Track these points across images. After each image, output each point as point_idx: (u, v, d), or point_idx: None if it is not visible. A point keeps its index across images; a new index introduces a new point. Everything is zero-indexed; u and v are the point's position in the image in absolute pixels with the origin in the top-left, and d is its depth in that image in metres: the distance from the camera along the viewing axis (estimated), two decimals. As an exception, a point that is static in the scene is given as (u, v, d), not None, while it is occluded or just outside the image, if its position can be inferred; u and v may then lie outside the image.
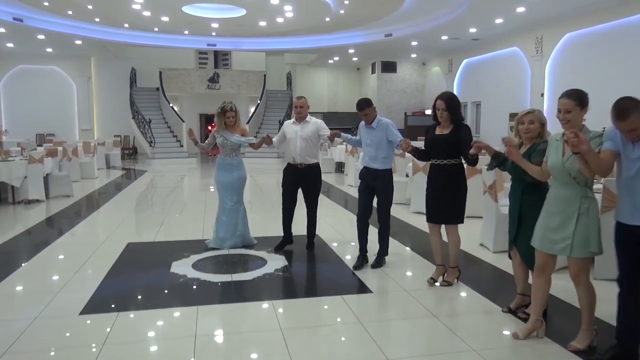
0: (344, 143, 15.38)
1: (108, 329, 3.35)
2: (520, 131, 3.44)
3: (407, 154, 4.66)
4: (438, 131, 4.19)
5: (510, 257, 3.72)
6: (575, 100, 2.97)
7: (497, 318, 3.60)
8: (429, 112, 20.57)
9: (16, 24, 14.36)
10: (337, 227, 6.80)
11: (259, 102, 20.92)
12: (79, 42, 17.24)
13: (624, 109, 2.62)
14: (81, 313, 3.66)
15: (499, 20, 13.57)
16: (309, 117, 5.40)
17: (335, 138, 5.07)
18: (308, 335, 3.38)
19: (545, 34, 13.64)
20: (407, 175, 9.18)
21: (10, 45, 17.81)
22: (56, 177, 9.36)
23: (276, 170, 15.02)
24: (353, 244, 5.40)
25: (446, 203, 4.18)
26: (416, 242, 6.02)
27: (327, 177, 12.91)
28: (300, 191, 5.45)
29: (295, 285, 4.52)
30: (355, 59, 21.51)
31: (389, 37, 16.68)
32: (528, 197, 3.40)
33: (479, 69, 17.38)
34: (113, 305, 3.91)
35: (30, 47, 18.25)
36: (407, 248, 5.71)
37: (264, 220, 6.43)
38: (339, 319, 3.61)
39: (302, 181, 5.38)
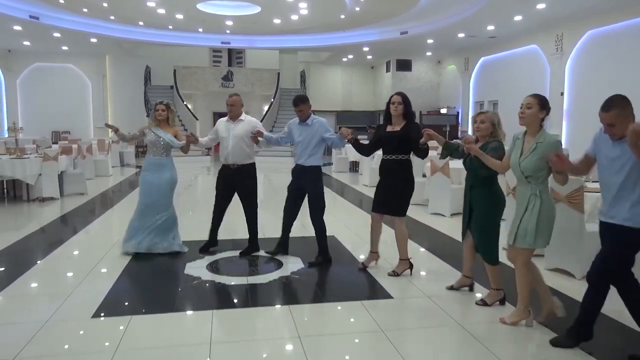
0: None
1: (121, 334, 3.24)
2: (474, 129, 3.82)
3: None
4: (389, 128, 4.43)
5: (462, 240, 4.06)
6: (538, 99, 3.28)
7: (525, 328, 3.43)
8: (444, 111, 20.32)
9: (32, 22, 14.42)
10: (352, 228, 6.65)
11: (272, 100, 20.82)
12: (94, 40, 17.28)
13: (609, 101, 2.84)
14: (94, 316, 3.56)
15: (517, 18, 13.29)
16: (243, 116, 5.24)
17: (259, 138, 5.06)
18: (327, 343, 3.24)
19: (566, 32, 13.32)
20: (423, 176, 9.01)
21: (26, 43, 17.92)
22: (70, 174, 9.33)
23: (289, 169, 14.92)
24: (368, 245, 5.24)
25: (392, 196, 4.41)
26: (436, 244, 5.85)
27: (341, 177, 12.78)
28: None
29: (313, 289, 4.38)
30: (369, 57, 21.30)
31: (404, 35, 16.46)
32: (476, 190, 3.74)
33: (496, 68, 17.08)
34: (126, 308, 3.81)
35: (46, 45, 18.35)
36: (427, 251, 5.54)
37: (278, 221, 6.27)
38: (359, 327, 3.47)
39: (235, 182, 5.18)
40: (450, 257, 5.17)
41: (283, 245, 5.15)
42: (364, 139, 15.50)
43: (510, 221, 3.45)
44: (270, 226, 6.52)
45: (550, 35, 13.83)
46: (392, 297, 4.00)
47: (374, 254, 4.75)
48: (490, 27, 14.59)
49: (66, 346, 3.13)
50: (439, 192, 7.54)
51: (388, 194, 4.43)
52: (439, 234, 6.40)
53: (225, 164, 5.20)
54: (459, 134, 19.04)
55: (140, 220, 5.14)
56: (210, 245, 5.39)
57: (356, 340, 3.30)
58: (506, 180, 5.44)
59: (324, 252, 4.96)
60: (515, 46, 15.77)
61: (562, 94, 13.55)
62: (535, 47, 14.77)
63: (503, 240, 3.68)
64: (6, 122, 18.52)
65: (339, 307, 3.86)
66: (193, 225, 6.70)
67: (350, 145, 4.74)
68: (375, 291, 4.22)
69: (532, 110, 3.25)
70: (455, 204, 7.54)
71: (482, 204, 3.72)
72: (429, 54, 20.06)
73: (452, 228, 6.66)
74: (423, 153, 4.34)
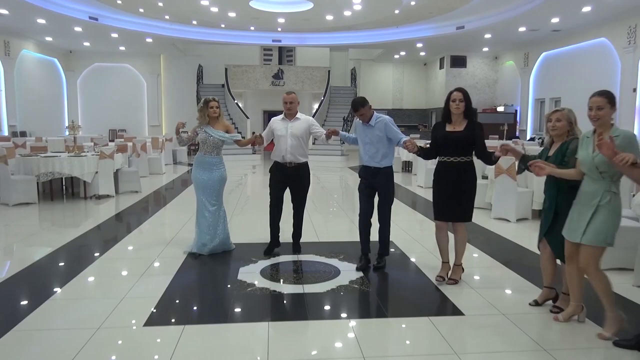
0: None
1: (173, 347, 3.05)
2: (548, 128, 3.56)
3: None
4: (449, 128, 4.09)
5: (539, 248, 3.77)
6: (607, 99, 3.12)
7: (615, 351, 2.98)
8: (501, 108, 19.45)
9: (92, 22, 14.83)
10: (411, 233, 6.28)
11: (322, 98, 20.60)
12: (149, 40, 17.64)
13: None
14: (145, 324, 3.40)
15: (586, 9, 12.42)
16: (299, 114, 5.06)
17: (333, 136, 4.85)
18: (395, 366, 2.92)
19: (641, 23, 12.34)
20: (483, 177, 8.50)
21: (86, 44, 18.53)
22: (125, 172, 9.43)
23: (339, 169, 14.64)
24: (432, 253, 4.88)
25: (459, 202, 4.12)
26: (503, 253, 5.41)
27: (395, 177, 12.35)
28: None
29: (374, 302, 4.05)
30: (422, 53, 20.70)
31: (460, 30, 15.83)
32: (563, 195, 3.46)
33: (560, 63, 16.11)
34: (179, 317, 3.64)
35: (104, 45, 18.92)
36: (495, 260, 5.10)
37: (329, 224, 6.02)
38: (429, 348, 3.12)
39: (290, 181, 5.07)
40: (520, 267, 4.75)
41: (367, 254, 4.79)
42: (415, 138, 15.07)
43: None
44: (324, 230, 6.28)
45: (622, 27, 12.84)
46: (462, 314, 3.62)
47: (446, 264, 4.38)
48: (555, 20, 13.74)
49: (118, 357, 2.96)
50: (504, 196, 7.04)
51: (453, 201, 4.11)
52: (506, 241, 5.93)
53: (280, 162, 5.03)
54: (517, 133, 18.16)
55: (202, 219, 5.07)
56: (274, 246, 5.23)
57: (427, 364, 2.96)
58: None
59: (386, 255, 4.78)
60: (581, 40, 14.80)
61: (634, 90, 12.56)
62: (604, 40, 13.78)
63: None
64: (67, 120, 19.23)
65: (404, 324, 3.53)
66: (244, 226, 6.53)
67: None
68: (443, 306, 3.86)
69: (604, 110, 3.14)
70: (522, 208, 7.03)
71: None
72: (485, 49, 19.25)
73: (519, 234, 6.18)
74: (492, 160, 4.04)
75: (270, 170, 5.18)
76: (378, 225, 4.71)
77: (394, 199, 4.76)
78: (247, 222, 6.92)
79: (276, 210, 5.19)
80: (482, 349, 3.12)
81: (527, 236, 6.10)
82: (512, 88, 19.15)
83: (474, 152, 4.12)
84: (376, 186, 4.65)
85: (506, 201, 7.01)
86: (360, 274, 4.53)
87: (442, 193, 4.18)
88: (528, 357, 3.02)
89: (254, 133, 5.10)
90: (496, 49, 19.20)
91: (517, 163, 3.86)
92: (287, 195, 5.14)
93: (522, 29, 15.04)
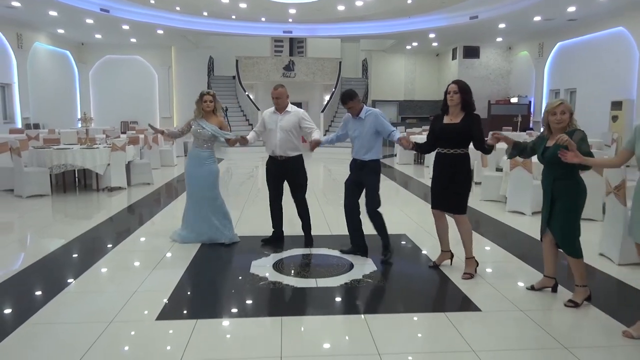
0: (423, 133, 14.68)
1: (185, 342, 3.01)
2: (551, 122, 3.53)
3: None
4: (447, 120, 4.12)
5: (541, 240, 3.81)
6: None
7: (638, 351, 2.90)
8: (515, 100, 19.18)
9: (103, 14, 14.82)
10: (425, 226, 6.19)
11: (334, 90, 20.46)
12: (160, 31, 17.61)
13: None
14: (158, 318, 3.37)
15: (604, -3, 12.15)
16: (290, 107, 5.01)
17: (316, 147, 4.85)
18: (411, 363, 2.86)
19: (661, 11, 12.04)
20: (497, 169, 8.37)
21: (98, 36, 18.56)
22: (137, 164, 9.44)
23: (350, 160, 14.54)
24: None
25: (453, 194, 4.16)
26: (519, 246, 5.31)
27: (406, 169, 12.26)
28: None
29: (388, 297, 4.00)
30: (435, 44, 20.44)
31: (474, 20, 15.58)
32: (561, 182, 3.51)
33: (575, 53, 15.80)
34: (191, 311, 3.62)
35: (115, 37, 18.92)
36: (510, 254, 5.01)
37: (341, 216, 5.92)
38: (446, 345, 3.05)
39: (285, 173, 5.06)
40: (537, 261, 4.60)
41: (361, 247, 4.83)
42: (428, 130, 14.92)
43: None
44: (335, 222, 6.21)
45: (641, 16, 12.56)
46: (479, 310, 3.54)
47: (445, 252, 4.49)
48: (571, 9, 13.45)
49: (129, 353, 2.94)
50: (519, 188, 6.91)
51: (448, 192, 4.18)
52: (521, 234, 5.83)
53: (272, 156, 5.04)
54: (531, 124, 17.91)
55: (191, 211, 5.18)
56: (276, 238, 5.24)
57: (444, 361, 2.90)
58: (607, 178, 4.80)
59: (389, 246, 4.70)
60: (598, 29, 14.49)
61: (653, 80, 12.30)
62: (622, 29, 13.48)
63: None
64: (79, 112, 19.33)
65: (421, 320, 3.47)
66: (255, 219, 6.49)
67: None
68: (459, 301, 3.78)
69: None
70: (538, 201, 6.82)
71: (568, 194, 3.53)
72: (499, 39, 18.94)
73: (534, 227, 5.98)
74: (489, 149, 4.07)
75: (266, 164, 5.19)
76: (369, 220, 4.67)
77: (378, 192, 4.66)
78: (258, 215, 6.87)
79: (275, 205, 5.19)
80: (500, 346, 3.05)
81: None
82: (526, 79, 18.87)
83: (472, 144, 4.13)
84: (362, 180, 4.64)
85: (521, 194, 6.89)
86: (374, 268, 4.47)
87: (437, 184, 4.26)
88: (548, 355, 2.94)
89: (242, 137, 5.16)
90: (510, 39, 18.90)
91: (508, 148, 3.96)
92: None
93: (537, 18, 14.77)
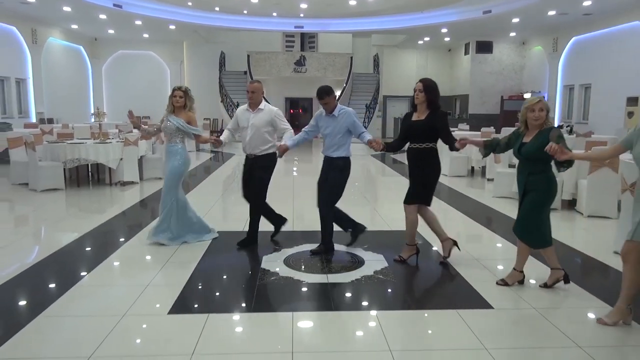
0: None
1: (197, 335, 3.03)
2: (529, 118, 3.66)
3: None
4: (415, 117, 4.34)
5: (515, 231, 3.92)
6: None
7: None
8: (528, 95, 18.95)
9: (116, 10, 14.90)
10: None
11: (345, 85, 20.41)
12: (172, 27, 17.67)
13: None
14: (170, 312, 3.40)
15: (620, -9, 11.94)
16: (263, 104, 4.88)
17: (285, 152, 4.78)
18: None
19: (679, 6, 11.81)
20: (510, 166, 8.30)
21: (111, 31, 18.67)
22: (150, 159, 9.50)
23: (360, 157, 14.50)
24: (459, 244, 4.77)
25: (421, 185, 4.36)
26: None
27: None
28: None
29: (400, 294, 3.98)
30: (447, 39, 20.26)
31: (487, 15, 15.41)
32: (534, 176, 3.67)
33: (591, 48, 15.57)
34: (202, 305, 3.64)
35: (128, 33, 19.02)
36: (523, 252, 4.95)
37: (352, 213, 5.93)
38: (458, 342, 3.03)
39: (251, 172, 4.93)
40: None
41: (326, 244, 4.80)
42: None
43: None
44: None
45: (659, 10, 12.33)
46: (491, 307, 3.52)
47: (447, 241, 4.57)
48: (587, 3, 13.23)
49: (141, 347, 2.96)
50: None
51: (417, 183, 4.38)
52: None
53: (245, 153, 4.99)
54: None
55: (165, 210, 5.00)
56: (252, 241, 5.09)
57: (457, 359, 2.88)
58: (622, 175, 4.73)
59: (327, 241, 4.75)
60: (614, 23, 14.25)
61: (670, 76, 12.09)
62: (638, 24, 13.24)
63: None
64: (92, 107, 19.49)
65: (432, 316, 3.45)
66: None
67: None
68: (471, 298, 3.75)
69: None
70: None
71: (540, 186, 3.68)
72: (512, 34, 18.73)
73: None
74: (455, 148, 4.22)
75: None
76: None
77: (341, 194, 4.73)
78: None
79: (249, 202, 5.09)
80: (513, 344, 3.03)
81: (556, 226, 5.85)
82: (540, 74, 18.64)
83: (440, 139, 4.30)
84: (328, 176, 4.66)
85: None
86: (385, 264, 4.46)
87: (409, 177, 4.46)
88: (562, 354, 2.91)
89: (214, 139, 5.12)
90: (524, 33, 18.68)
91: (481, 149, 4.13)
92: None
93: (551, 12, 14.56)
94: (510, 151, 4.06)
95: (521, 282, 3.94)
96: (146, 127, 5.30)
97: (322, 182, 4.73)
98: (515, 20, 15.88)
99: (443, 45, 21.88)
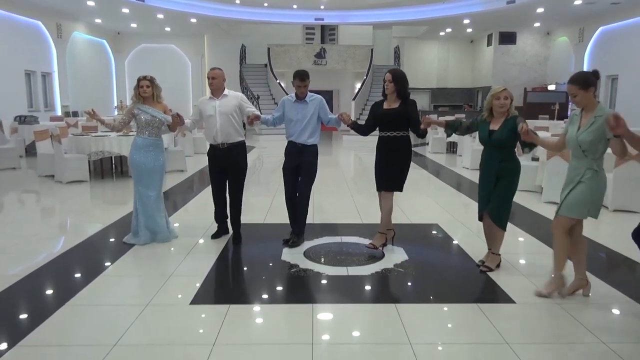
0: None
1: (218, 326, 3.07)
2: (495, 105, 3.86)
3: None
4: (386, 105, 4.43)
5: (480, 219, 4.11)
6: (578, 85, 3.27)
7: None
8: (552, 87, 18.62)
9: (138, 4, 15.06)
10: (457, 216, 6.12)
11: (365, 77, 20.30)
12: (193, 20, 17.79)
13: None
14: (192, 302, 3.45)
15: (651, -21, 11.59)
16: (227, 90, 4.79)
17: (255, 122, 4.70)
18: (445, 356, 2.84)
19: None
20: (533, 159, 8.17)
21: (133, 25, 18.90)
22: (171, 152, 9.59)
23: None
24: (478, 237, 4.72)
25: (394, 172, 4.45)
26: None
27: (438, 158, 12.10)
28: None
29: (420, 287, 3.96)
30: (469, 30, 19.97)
31: (511, 5, 15.12)
32: (506, 163, 3.87)
33: (618, 38, 15.17)
34: (224, 296, 3.69)
35: (150, 26, 19.23)
36: (545, 245, 4.88)
37: (371, 205, 5.92)
38: (479, 336, 3.01)
39: (226, 163, 4.81)
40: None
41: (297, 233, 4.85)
42: (461, 118, 14.52)
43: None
44: (366, 211, 6.21)
45: (691, -2, 11.93)
46: (513, 302, 3.48)
47: (381, 234, 4.67)
48: (615, -9, 12.90)
49: (164, 336, 3.02)
50: (556, 179, 6.71)
51: (390, 171, 4.46)
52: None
53: (213, 144, 4.81)
54: (569, 112, 17.34)
55: (143, 209, 4.78)
56: (222, 233, 5.06)
57: (478, 354, 2.85)
58: None
59: (301, 231, 4.83)
60: (643, 13, 13.87)
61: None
62: (669, 12, 12.87)
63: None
64: (115, 100, 19.79)
65: (453, 310, 3.43)
66: (283, 206, 6.52)
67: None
68: (492, 292, 3.73)
69: (578, 97, 3.30)
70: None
71: (513, 173, 3.89)
72: (537, 24, 18.36)
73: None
74: (422, 132, 4.32)
75: (207, 154, 4.95)
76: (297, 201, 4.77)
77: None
78: (278, 202, 6.92)
79: (220, 196, 4.97)
80: (534, 339, 2.99)
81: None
82: (565, 65, 18.24)
83: (409, 128, 4.41)
84: (300, 164, 4.70)
85: (559, 184, 6.67)
86: (405, 257, 4.45)
87: (378, 165, 4.53)
88: (585, 349, 2.87)
89: (177, 115, 4.81)
90: (549, 24, 18.29)
91: (446, 129, 4.28)
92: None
93: (577, 2, 14.21)
94: (539, 148, 4.04)
95: (498, 265, 4.11)
96: (111, 120, 5.02)
97: (291, 169, 4.75)
98: (540, 10, 15.56)
99: (465, 36, 21.58)
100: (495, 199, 3.94)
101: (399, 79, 4.35)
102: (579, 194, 3.34)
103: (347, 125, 4.62)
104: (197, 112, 4.93)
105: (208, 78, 4.79)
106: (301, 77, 4.60)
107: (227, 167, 4.84)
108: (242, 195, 4.99)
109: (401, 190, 4.55)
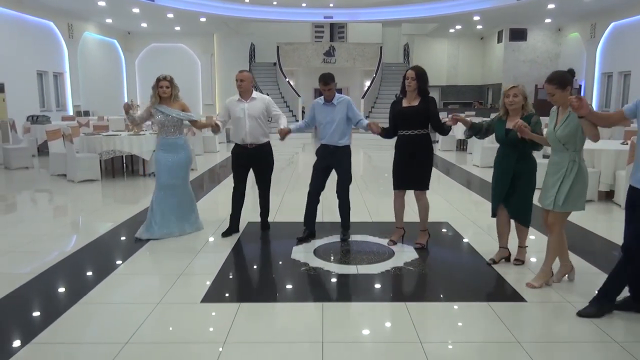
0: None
1: (229, 324, 3.09)
2: (506, 103, 3.90)
3: None
4: (405, 104, 4.38)
5: (494, 215, 4.15)
6: (556, 84, 3.38)
7: None
8: (564, 84, 18.41)
9: (148, 3, 15.15)
10: (467, 214, 6.08)
11: (374, 75, 20.25)
12: (203, 19, 17.86)
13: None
14: (202, 301, 3.47)
15: (664, -27, 11.42)
16: (255, 93, 4.90)
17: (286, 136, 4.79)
18: (456, 354, 2.83)
19: None
20: (544, 157, 8.09)
21: (144, 25, 19.02)
22: (181, 151, 9.64)
23: (390, 147, 14.40)
24: (489, 235, 4.69)
25: (419, 171, 4.44)
26: (568, 237, 5.10)
27: (448, 155, 12.04)
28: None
29: (431, 285, 3.96)
30: (479, 27, 19.85)
31: (521, 1, 15.00)
32: (523, 162, 3.88)
33: (631, 34, 14.97)
34: (234, 294, 3.71)
35: (160, 26, 19.34)
36: (558, 244, 4.84)
37: (381, 203, 5.92)
38: (490, 335, 3.00)
39: (253, 162, 4.99)
40: (584, 252, 4.48)
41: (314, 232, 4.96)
42: (470, 115, 14.42)
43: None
44: (376, 210, 6.20)
45: None
46: (524, 300, 3.46)
47: (399, 229, 4.77)
48: (628, -13, 12.74)
49: (175, 334, 3.04)
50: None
51: (414, 170, 4.43)
52: (569, 224, 5.60)
53: (241, 144, 4.95)
54: (581, 109, 17.15)
55: (159, 204, 4.93)
56: (232, 231, 5.11)
57: (488, 352, 2.84)
58: None
59: (347, 225, 4.93)
60: (657, 8, 13.67)
61: None
62: (683, 7, 12.67)
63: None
64: (126, 99, 19.94)
65: (463, 309, 3.41)
66: (297, 204, 6.53)
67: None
68: (503, 291, 3.71)
69: (556, 96, 3.40)
70: (589, 189, 6.58)
71: (530, 171, 3.92)
72: (548, 21, 18.19)
73: (584, 217, 5.81)
74: (445, 130, 4.40)
75: (232, 153, 5.10)
76: (338, 202, 4.85)
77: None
78: (299, 201, 6.92)
79: (239, 195, 5.11)
80: (546, 338, 2.97)
81: (593, 219, 5.78)
82: (576, 62, 18.04)
83: (430, 125, 4.39)
84: (334, 165, 4.75)
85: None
86: (415, 255, 4.43)
87: (400, 164, 4.49)
88: (598, 349, 2.85)
89: (215, 124, 5.01)
90: (560, 20, 18.11)
91: (466, 130, 4.24)
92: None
93: (589, -3, 14.08)
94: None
95: (507, 259, 4.20)
96: (135, 115, 5.20)
97: (321, 168, 4.79)
98: (551, 6, 15.41)
99: (475, 33, 21.45)
100: (516, 201, 3.97)
101: (422, 76, 4.30)
102: (576, 188, 3.43)
103: (378, 134, 4.57)
104: (226, 113, 5.07)
105: (236, 80, 4.91)
106: (325, 80, 4.63)
107: (254, 165, 5.03)
108: (270, 187, 5.17)
109: (428, 189, 4.55)
